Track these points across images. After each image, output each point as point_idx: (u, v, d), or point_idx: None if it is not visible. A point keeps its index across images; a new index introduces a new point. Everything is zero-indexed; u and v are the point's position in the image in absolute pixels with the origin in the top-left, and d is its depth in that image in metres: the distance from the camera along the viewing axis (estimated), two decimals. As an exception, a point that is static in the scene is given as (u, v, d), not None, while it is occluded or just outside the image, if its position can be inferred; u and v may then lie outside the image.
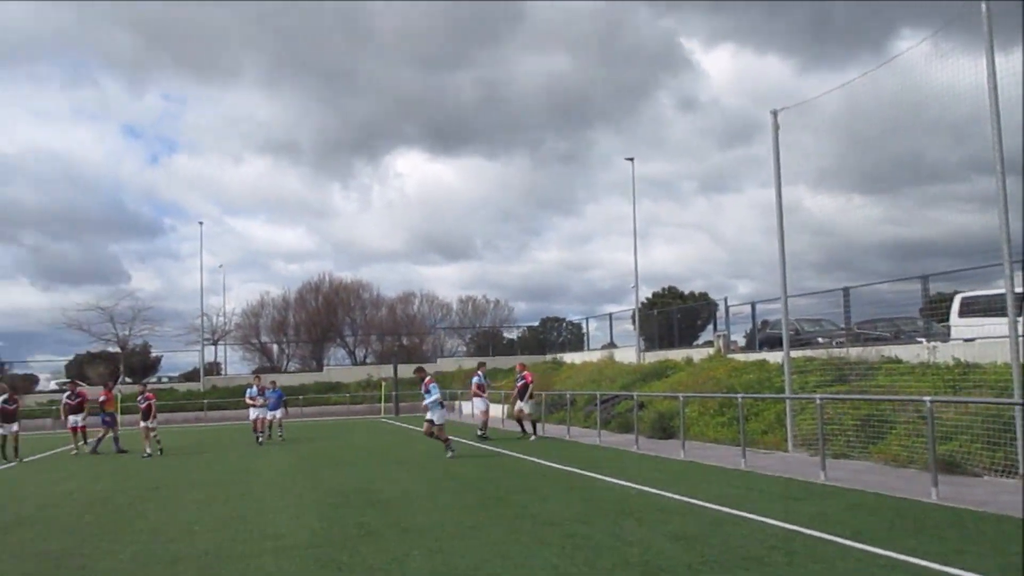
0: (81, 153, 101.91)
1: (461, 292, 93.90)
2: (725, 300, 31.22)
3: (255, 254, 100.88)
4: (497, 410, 28.37)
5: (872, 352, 17.29)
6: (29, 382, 56.55)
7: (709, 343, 30.11)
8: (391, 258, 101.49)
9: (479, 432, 21.47)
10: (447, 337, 65.39)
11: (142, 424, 20.25)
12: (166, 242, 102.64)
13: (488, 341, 59.14)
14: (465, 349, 61.07)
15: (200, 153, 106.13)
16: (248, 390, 24.44)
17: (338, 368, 55.63)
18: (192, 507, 11.33)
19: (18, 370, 61.19)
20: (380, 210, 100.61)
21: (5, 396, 20.70)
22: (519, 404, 21.65)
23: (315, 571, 7.22)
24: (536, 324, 60.20)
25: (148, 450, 20.04)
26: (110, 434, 21.94)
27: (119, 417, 23.88)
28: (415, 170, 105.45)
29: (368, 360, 62.32)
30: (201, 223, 56.37)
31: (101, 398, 22.30)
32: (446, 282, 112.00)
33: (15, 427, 20.68)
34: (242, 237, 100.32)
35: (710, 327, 34.68)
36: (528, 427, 21.55)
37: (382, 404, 42.63)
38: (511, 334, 61.54)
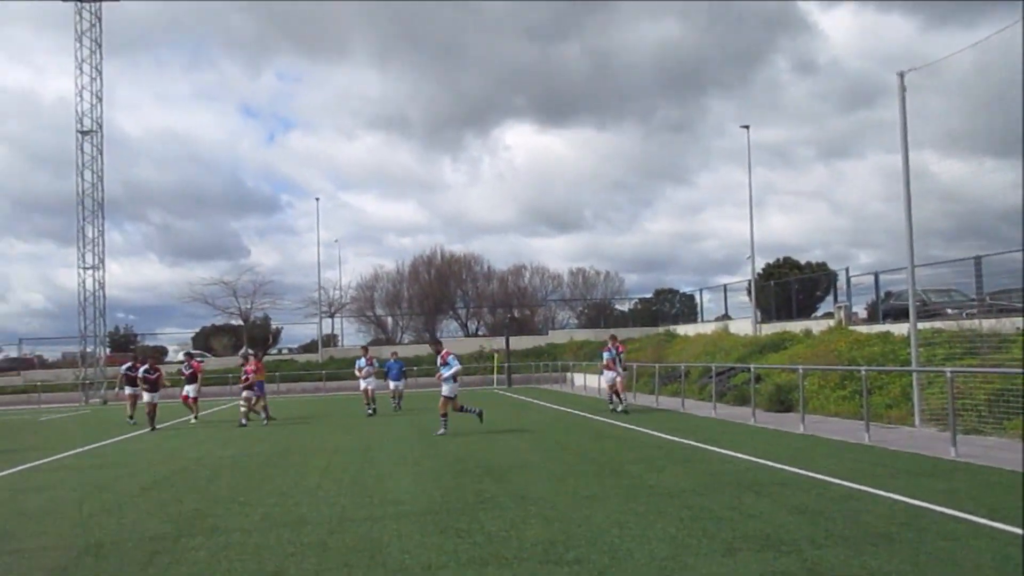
0: (202, 134, 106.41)
1: (571, 264, 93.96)
2: (846, 271, 30.27)
3: (368, 228, 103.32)
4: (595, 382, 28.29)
5: (1006, 324, 16.39)
6: (159, 353, 59.66)
7: (829, 315, 29.19)
8: (501, 230, 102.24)
9: (611, 406, 21.21)
10: (558, 309, 65.52)
11: (244, 394, 21.64)
12: (283, 218, 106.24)
13: (599, 313, 58.96)
14: (576, 321, 61.07)
15: (314, 130, 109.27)
16: (357, 362, 24.96)
17: (450, 340, 56.49)
18: (315, 473, 11.72)
19: (148, 342, 64.66)
20: (490, 183, 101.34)
21: (147, 366, 21.87)
22: (610, 375, 21.23)
23: (435, 537, 7.35)
24: (649, 296, 59.64)
25: (244, 420, 20.97)
26: (260, 402, 22.74)
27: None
28: (524, 142, 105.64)
29: (480, 332, 63.12)
30: (318, 199, 58.09)
31: (252, 368, 23.12)
32: (556, 254, 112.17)
33: (157, 396, 21.67)
34: (355, 212, 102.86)
35: (829, 298, 33.63)
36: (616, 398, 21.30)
37: (495, 375, 43.11)
38: (622, 306, 61.16)
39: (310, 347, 61.78)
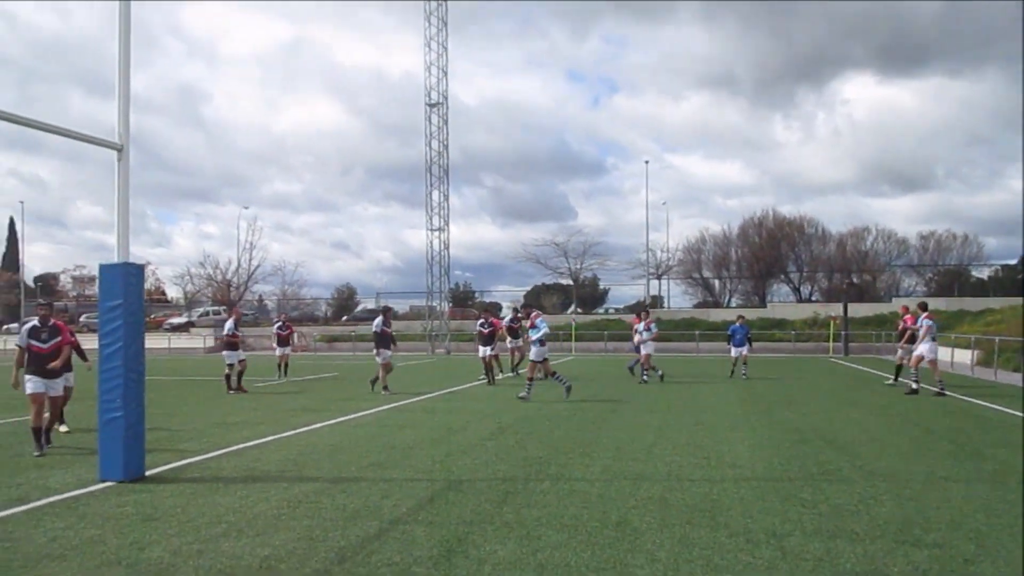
0: (531, 100, 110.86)
1: (918, 226, 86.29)
2: None
3: (694, 190, 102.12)
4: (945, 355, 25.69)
5: None
6: (495, 309, 63.78)
7: None
8: (837, 190, 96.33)
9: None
10: (903, 275, 60.60)
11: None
12: (609, 180, 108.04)
13: (952, 280, 53.62)
14: (925, 289, 56.10)
15: (639, 92, 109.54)
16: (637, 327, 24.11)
17: (782, 305, 54.55)
18: (650, 431, 11.86)
19: (485, 299, 69.26)
20: (825, 140, 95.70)
21: (280, 323, 23.74)
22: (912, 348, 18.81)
23: (777, 504, 7.12)
24: (1014, 262, 53.16)
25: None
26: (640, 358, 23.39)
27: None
28: (864, 95, 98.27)
29: (814, 298, 60.19)
30: (647, 161, 58.41)
31: (638, 326, 23.90)
32: (898, 215, 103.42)
33: (288, 350, 23.85)
34: (681, 173, 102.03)
35: None
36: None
37: (830, 343, 40.93)
38: (981, 273, 55.15)
39: (635, 307, 62.70)
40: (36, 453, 10.22)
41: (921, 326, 18.01)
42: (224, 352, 19.97)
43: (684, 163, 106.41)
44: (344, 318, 65.85)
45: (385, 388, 17.97)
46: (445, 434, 11.73)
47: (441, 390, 18.76)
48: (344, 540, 6.06)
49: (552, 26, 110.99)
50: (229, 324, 19.91)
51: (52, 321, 10.47)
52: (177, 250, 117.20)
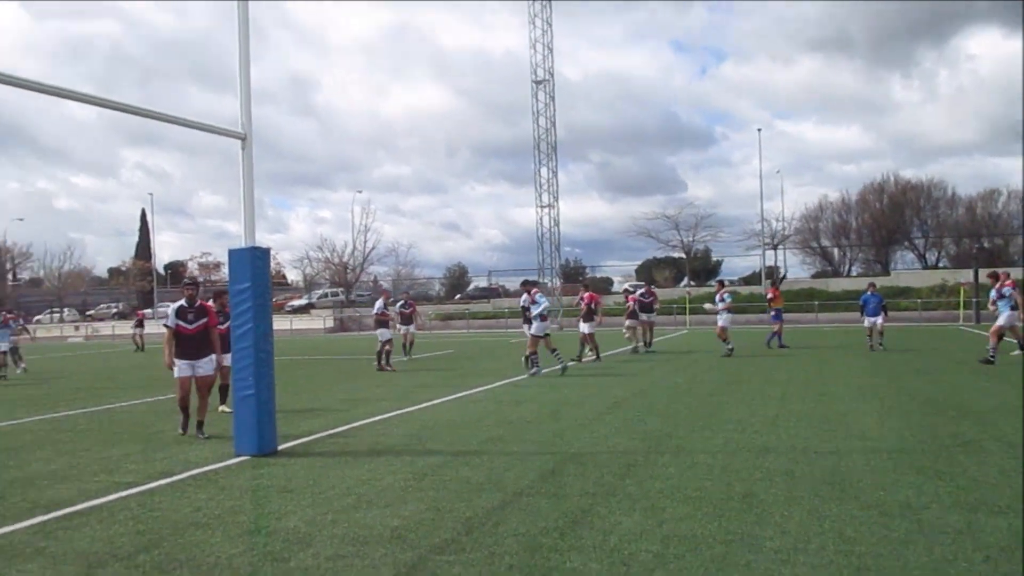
0: (636, 73, 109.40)
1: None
2: None
3: (807, 157, 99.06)
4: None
5: None
6: (606, 284, 63.46)
7: None
8: (963, 151, 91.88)
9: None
10: (1038, 239, 57.23)
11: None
12: (718, 151, 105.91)
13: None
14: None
15: (748, 59, 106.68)
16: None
17: (907, 272, 52.33)
18: (771, 403, 11.61)
19: (596, 274, 68.98)
20: (949, 99, 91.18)
21: (403, 301, 23.51)
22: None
23: (911, 476, 6.87)
24: None
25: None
26: (776, 328, 23.19)
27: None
28: (992, 50, 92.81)
29: (941, 264, 57.57)
30: (759, 129, 56.68)
31: (769, 295, 23.70)
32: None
33: (412, 328, 23.44)
34: (793, 140, 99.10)
35: None
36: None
37: (960, 311, 39.10)
38: None
39: (750, 279, 61.34)
40: (179, 432, 10.46)
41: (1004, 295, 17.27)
42: (378, 331, 20.45)
43: (797, 130, 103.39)
44: (457, 296, 66.83)
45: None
46: (561, 408, 11.79)
47: (555, 365, 18.82)
48: (470, 511, 6.18)
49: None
50: (379, 303, 20.61)
51: (199, 302, 10.45)
52: (293, 235, 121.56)
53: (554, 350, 17.43)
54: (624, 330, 24.48)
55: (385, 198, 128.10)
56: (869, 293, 22.09)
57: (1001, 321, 17.22)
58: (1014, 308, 17.13)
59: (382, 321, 20.35)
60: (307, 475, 7.75)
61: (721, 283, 23.55)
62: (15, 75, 7.29)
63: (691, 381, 14.88)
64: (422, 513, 6.17)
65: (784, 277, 32.23)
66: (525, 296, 18.87)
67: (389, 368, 19.70)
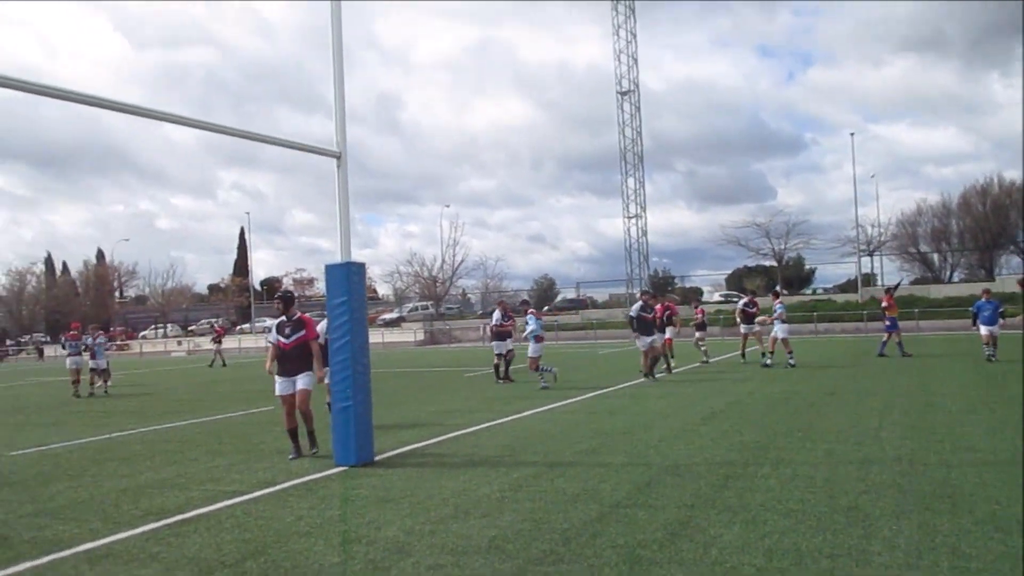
0: (720, 80, 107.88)
1: None
2: None
3: (902, 160, 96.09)
4: None
5: None
6: (695, 294, 62.62)
7: None
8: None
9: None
10: None
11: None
12: (808, 156, 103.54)
13: None
14: None
15: (836, 63, 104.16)
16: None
17: (1014, 277, 50.00)
18: (873, 414, 11.24)
19: (686, 284, 68.18)
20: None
21: (501, 313, 21.82)
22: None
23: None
24: None
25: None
26: (894, 338, 22.50)
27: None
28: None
29: (1051, 268, 54.93)
30: (852, 134, 55.27)
31: (884, 304, 22.97)
32: None
33: (509, 344, 20.77)
34: (887, 143, 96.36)
35: None
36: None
37: (1071, 318, 37.15)
38: None
39: (846, 287, 59.69)
40: (291, 456, 9.69)
41: None
42: (493, 343, 20.01)
43: (890, 133, 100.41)
44: (545, 308, 66.88)
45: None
46: (655, 419, 11.66)
47: (645, 377, 18.63)
48: (567, 522, 6.16)
49: (739, 3, 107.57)
50: (497, 315, 19.90)
51: (297, 315, 9.94)
52: (383, 250, 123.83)
53: (538, 368, 17.89)
54: (698, 342, 23.96)
55: (471, 212, 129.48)
56: (984, 300, 20.61)
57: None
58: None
59: (500, 333, 19.74)
60: (404, 485, 7.85)
61: (776, 293, 22.94)
62: (123, 101, 7.64)
63: (787, 392, 14.52)
64: (519, 524, 6.18)
65: (900, 284, 31.00)
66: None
67: (507, 380, 19.28)
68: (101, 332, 24.97)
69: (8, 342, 79.25)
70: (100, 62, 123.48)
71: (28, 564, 5.83)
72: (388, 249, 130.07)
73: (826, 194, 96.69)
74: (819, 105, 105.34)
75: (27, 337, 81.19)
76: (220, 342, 38.09)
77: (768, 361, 20.39)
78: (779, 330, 20.65)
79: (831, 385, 15.41)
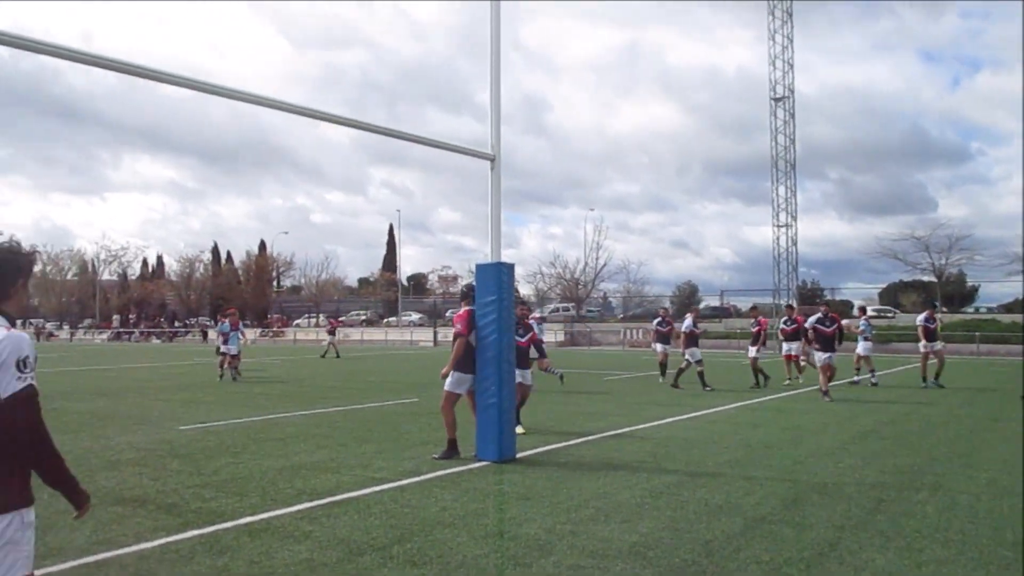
0: (879, 86, 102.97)
1: None
2: None
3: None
4: None
5: None
6: (845, 308, 60.08)
7: None
8: None
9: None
10: None
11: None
12: (974, 167, 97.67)
13: None
14: None
15: (1008, 68, 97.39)
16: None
17: None
18: (1042, 444, 10.52)
19: (836, 297, 65.61)
20: None
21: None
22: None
23: None
24: None
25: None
26: None
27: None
28: None
29: None
30: (1028, 142, 51.63)
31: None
32: None
33: (660, 347, 20.79)
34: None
35: None
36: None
37: None
38: None
39: (1012, 306, 55.94)
40: (436, 456, 9.47)
41: None
42: (687, 350, 19.03)
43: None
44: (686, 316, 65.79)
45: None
46: (801, 435, 11.31)
47: (791, 391, 18.08)
48: (709, 534, 6.08)
49: (902, 6, 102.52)
50: (688, 321, 19.41)
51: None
52: (525, 250, 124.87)
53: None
54: (857, 360, 22.14)
55: (614, 215, 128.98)
56: None
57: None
58: None
59: (693, 338, 19.13)
60: (545, 484, 7.94)
61: (863, 309, 22.21)
62: (292, 103, 8.06)
63: (946, 415, 13.76)
64: (660, 531, 6.14)
65: (976, 307, 28.05)
66: (689, 320, 19.26)
67: (677, 387, 18.67)
68: (235, 317, 24.58)
69: (176, 324, 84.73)
70: (264, 62, 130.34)
71: (195, 532, 6.26)
72: (530, 249, 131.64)
73: (993, 207, 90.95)
74: (987, 113, 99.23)
75: (193, 320, 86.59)
76: (334, 333, 39.47)
77: (873, 379, 19.68)
78: (861, 348, 20.13)
79: (995, 410, 14.50)
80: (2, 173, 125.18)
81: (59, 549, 5.77)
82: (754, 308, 26.53)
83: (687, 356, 19.02)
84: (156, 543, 5.97)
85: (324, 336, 42.58)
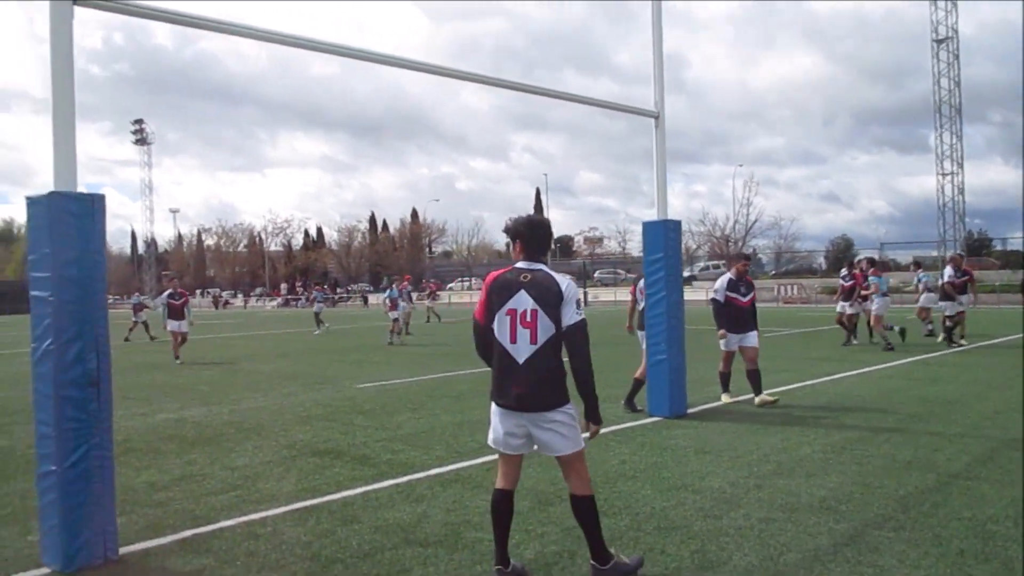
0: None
1: None
2: None
3: None
4: None
5: None
6: (1017, 259, 55.94)
7: None
8: None
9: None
10: None
11: None
12: None
13: None
14: None
15: None
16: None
17: None
18: None
19: (1006, 247, 61.15)
20: None
21: (846, 274, 18.98)
22: None
23: None
24: None
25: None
26: None
27: None
28: None
29: None
30: None
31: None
32: None
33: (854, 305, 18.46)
34: None
35: None
36: None
37: None
38: None
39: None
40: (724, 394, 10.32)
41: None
42: (943, 303, 17.57)
43: None
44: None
45: None
46: (987, 390, 10.76)
47: (968, 345, 17.13)
48: (903, 489, 5.94)
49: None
50: (949, 271, 17.91)
51: (747, 277, 10.34)
52: (670, 209, 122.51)
53: None
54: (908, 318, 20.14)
55: (759, 170, 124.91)
56: None
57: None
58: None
59: (955, 288, 17.33)
60: (721, 439, 7.94)
61: (871, 261, 18.97)
62: (450, 67, 8.23)
63: None
64: (849, 486, 6.06)
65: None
66: (949, 270, 17.56)
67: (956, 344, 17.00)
68: (407, 283, 26.21)
69: (339, 290, 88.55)
70: (403, 35, 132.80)
71: (390, 482, 6.65)
72: (675, 209, 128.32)
73: None
74: None
75: (354, 286, 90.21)
76: (435, 297, 40.20)
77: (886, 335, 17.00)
78: (876, 305, 17.44)
79: None
80: (174, 155, 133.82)
81: (271, 496, 6.29)
82: (917, 264, 24.41)
83: (947, 308, 17.32)
84: (357, 491, 6.40)
85: (455, 300, 43.43)
